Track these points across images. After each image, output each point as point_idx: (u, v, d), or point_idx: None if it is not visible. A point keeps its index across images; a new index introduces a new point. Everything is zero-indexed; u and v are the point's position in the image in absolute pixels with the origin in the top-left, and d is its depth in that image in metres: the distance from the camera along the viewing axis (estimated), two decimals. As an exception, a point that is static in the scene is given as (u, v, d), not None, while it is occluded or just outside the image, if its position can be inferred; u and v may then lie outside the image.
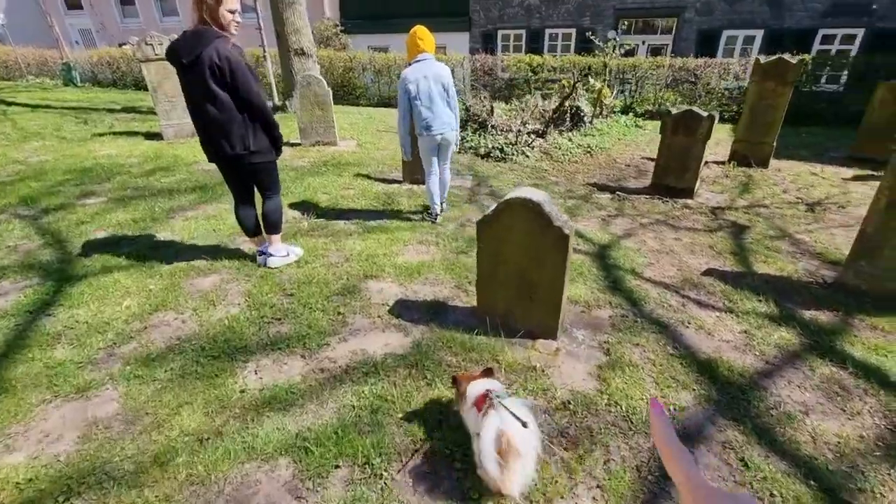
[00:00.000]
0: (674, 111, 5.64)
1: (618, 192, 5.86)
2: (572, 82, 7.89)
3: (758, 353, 2.69)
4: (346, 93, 14.46)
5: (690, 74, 12.06)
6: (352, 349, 2.65)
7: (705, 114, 5.46)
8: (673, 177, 5.88)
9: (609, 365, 2.54)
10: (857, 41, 13.25)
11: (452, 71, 14.40)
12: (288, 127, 8.69)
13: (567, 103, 7.94)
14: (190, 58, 2.71)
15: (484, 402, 1.72)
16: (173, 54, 2.77)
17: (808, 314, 3.13)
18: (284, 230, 4.12)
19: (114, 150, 7.09)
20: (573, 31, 17.48)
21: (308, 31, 9.03)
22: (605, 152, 7.98)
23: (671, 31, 16.25)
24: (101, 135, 8.11)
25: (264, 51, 10.20)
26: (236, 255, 3.73)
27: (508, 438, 1.52)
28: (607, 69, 10.26)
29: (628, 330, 2.88)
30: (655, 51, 16.21)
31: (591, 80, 9.04)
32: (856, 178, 6.73)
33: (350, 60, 14.38)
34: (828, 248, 4.26)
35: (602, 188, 6.11)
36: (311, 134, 7.33)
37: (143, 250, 3.77)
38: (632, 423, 2.15)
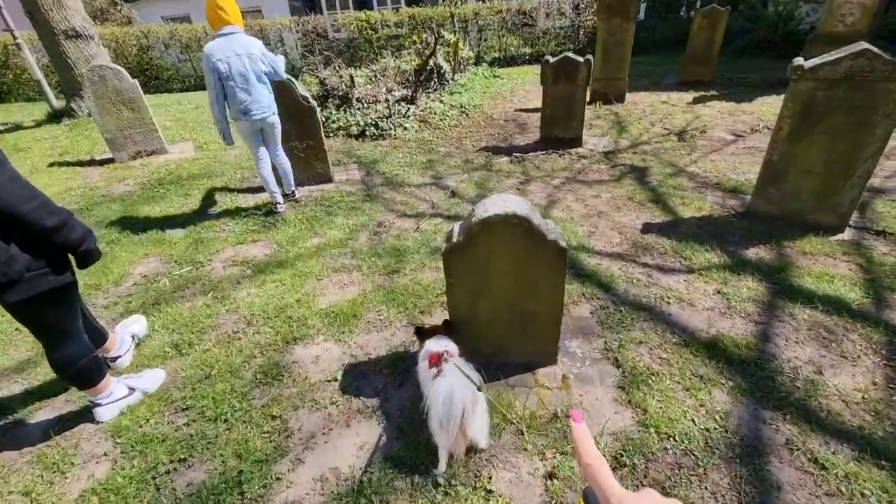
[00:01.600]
0: (551, 60, 5.41)
1: (515, 154, 5.55)
2: (434, 37, 7.22)
3: (743, 315, 2.59)
4: (151, 78, 11.69)
5: (527, 17, 12.23)
6: (317, 474, 1.85)
7: (581, 59, 5.32)
8: (560, 127, 5.74)
9: (629, 381, 2.18)
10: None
11: (280, 38, 12.54)
12: (89, 138, 6.57)
13: (431, 62, 7.29)
14: None
15: (438, 361, 1.74)
16: None
17: (750, 253, 3.18)
18: (130, 304, 2.92)
19: None
20: (400, -20, 16.55)
21: (78, 4, 6.70)
22: (478, 109, 7.62)
23: (494, -27, 16.30)
24: None
25: (15, 37, 7.42)
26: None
27: (463, 402, 1.60)
28: (454, 19, 9.75)
29: (619, 325, 2.56)
30: (483, -4, 16.19)
31: (445, 34, 8.46)
32: (696, 101, 7.44)
33: (145, 37, 11.53)
34: (718, 177, 4.51)
35: (496, 151, 5.74)
36: (126, 144, 5.55)
37: None
38: (696, 456, 1.82)
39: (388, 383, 2.26)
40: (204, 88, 11.62)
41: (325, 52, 10.12)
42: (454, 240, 1.95)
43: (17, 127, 7.51)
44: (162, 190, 4.74)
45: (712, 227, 3.59)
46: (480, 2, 13.28)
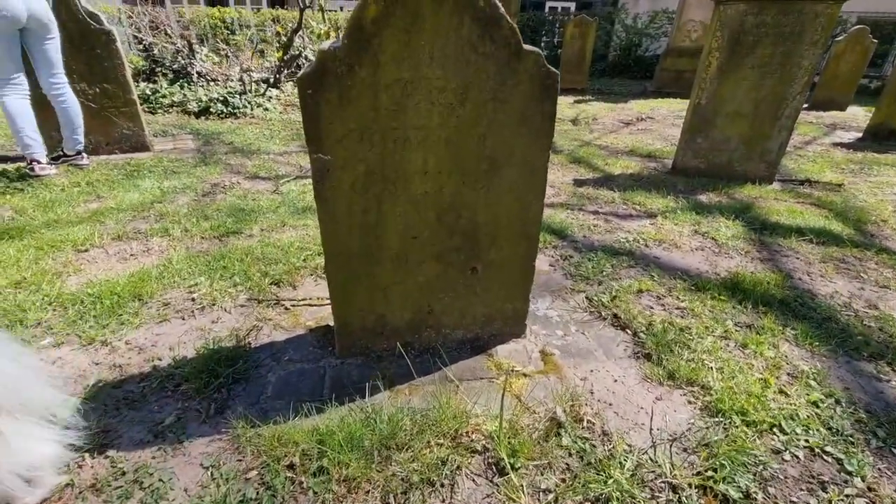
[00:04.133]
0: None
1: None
2: (300, 9, 6.11)
3: (741, 253, 1.91)
4: None
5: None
6: None
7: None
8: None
9: (654, 346, 1.26)
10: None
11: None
12: None
13: (296, 40, 6.16)
14: None
15: None
16: None
17: (703, 199, 2.62)
18: None
19: None
20: (262, -9, 15.38)
21: None
22: (356, 103, 6.66)
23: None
24: None
25: None
26: None
27: None
28: (325, 17, 8.82)
29: (598, 275, 1.67)
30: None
31: (314, 24, 7.45)
32: (578, 102, 7.47)
33: None
34: (629, 147, 4.12)
35: (382, 131, 4.77)
36: None
37: None
38: (831, 456, 0.93)
39: (187, 409, 1.02)
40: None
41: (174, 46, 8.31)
42: (329, 47, 0.87)
43: None
44: None
45: (646, 180, 3.02)
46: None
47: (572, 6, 15.17)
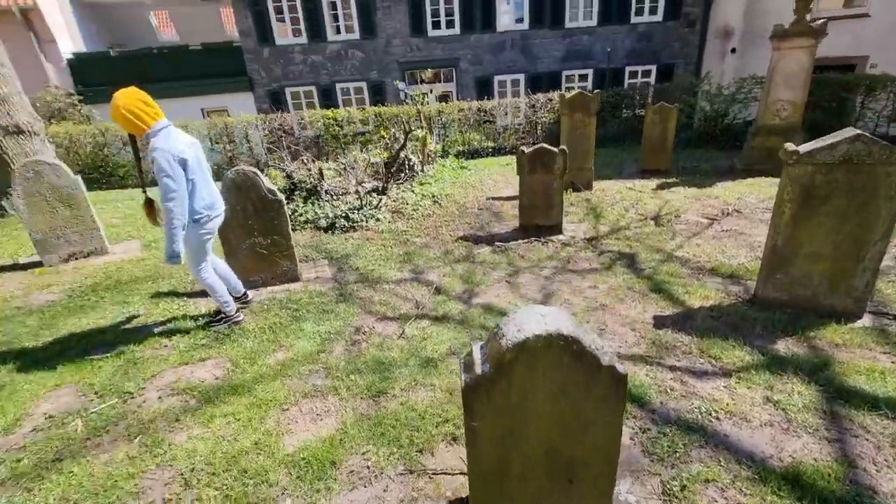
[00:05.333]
0: (526, 150, 5.41)
1: (497, 244, 5.28)
2: (404, 132, 7.24)
3: (809, 431, 2.16)
4: (104, 175, 11.16)
5: (488, 115, 12.95)
6: None
7: (557, 149, 5.35)
8: (540, 216, 5.62)
9: (713, 547, 1.63)
10: (590, 78, 16.43)
11: (245, 135, 12.58)
12: (16, 240, 5.82)
13: (402, 154, 7.24)
14: None
15: None
16: None
17: (781, 348, 2.84)
18: (20, 463, 2.16)
19: None
20: (363, 84, 17.58)
21: (24, 101, 6.31)
22: (450, 199, 7.51)
23: (452, 79, 17.69)
24: None
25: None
26: None
27: None
28: (422, 116, 10.09)
29: (671, 455, 2.05)
30: (443, 98, 17.36)
31: (415, 130, 8.61)
32: (660, 188, 7.67)
33: (101, 134, 11.20)
34: (711, 262, 4.34)
35: (476, 241, 5.46)
36: (60, 244, 4.87)
37: None
38: None
39: (386, 577, 1.60)
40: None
41: (294, 147, 10.07)
42: (477, 370, 1.46)
43: (-66, 228, 6.66)
44: (94, 298, 4.03)
45: (727, 318, 3.27)
46: (442, 102, 14.07)
47: (653, 70, 15.41)
